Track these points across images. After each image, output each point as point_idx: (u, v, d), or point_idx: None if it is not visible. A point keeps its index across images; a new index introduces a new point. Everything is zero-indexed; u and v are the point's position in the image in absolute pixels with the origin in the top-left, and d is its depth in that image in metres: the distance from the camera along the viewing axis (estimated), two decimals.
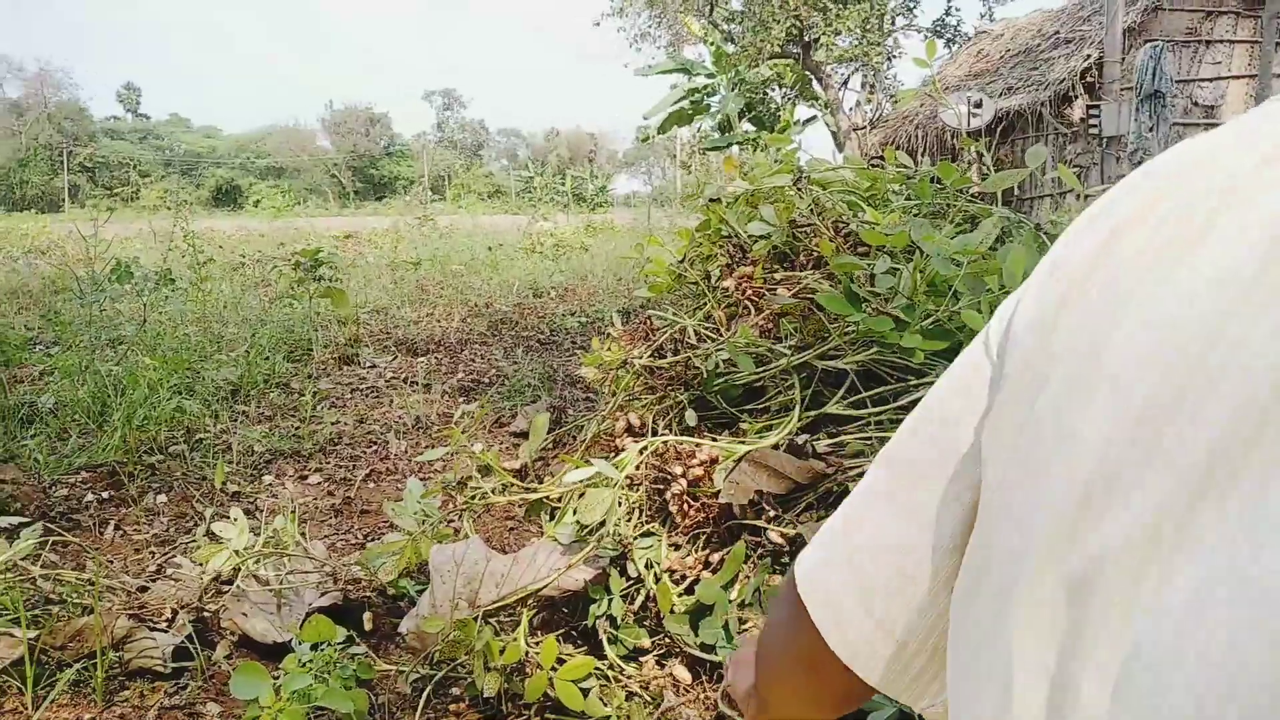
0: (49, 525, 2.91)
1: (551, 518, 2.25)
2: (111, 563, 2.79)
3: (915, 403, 1.92)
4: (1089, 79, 11.81)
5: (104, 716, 2.05)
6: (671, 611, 1.89)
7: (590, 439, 2.46)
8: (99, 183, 57.82)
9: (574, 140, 74.77)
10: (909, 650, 0.62)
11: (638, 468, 2.04)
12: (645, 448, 2.03)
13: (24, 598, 2.26)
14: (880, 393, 1.99)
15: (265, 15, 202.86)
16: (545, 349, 6.41)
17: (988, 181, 2.22)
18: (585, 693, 1.88)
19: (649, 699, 1.88)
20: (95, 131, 63.30)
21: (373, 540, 3.04)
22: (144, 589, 2.59)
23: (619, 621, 1.98)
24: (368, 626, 2.33)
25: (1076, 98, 11.86)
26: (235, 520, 2.57)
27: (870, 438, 1.91)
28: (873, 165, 2.82)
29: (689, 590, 1.93)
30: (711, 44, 17.09)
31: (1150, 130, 9.77)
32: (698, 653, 1.84)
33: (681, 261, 2.73)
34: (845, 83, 19.08)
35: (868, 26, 17.31)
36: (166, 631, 2.31)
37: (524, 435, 3.97)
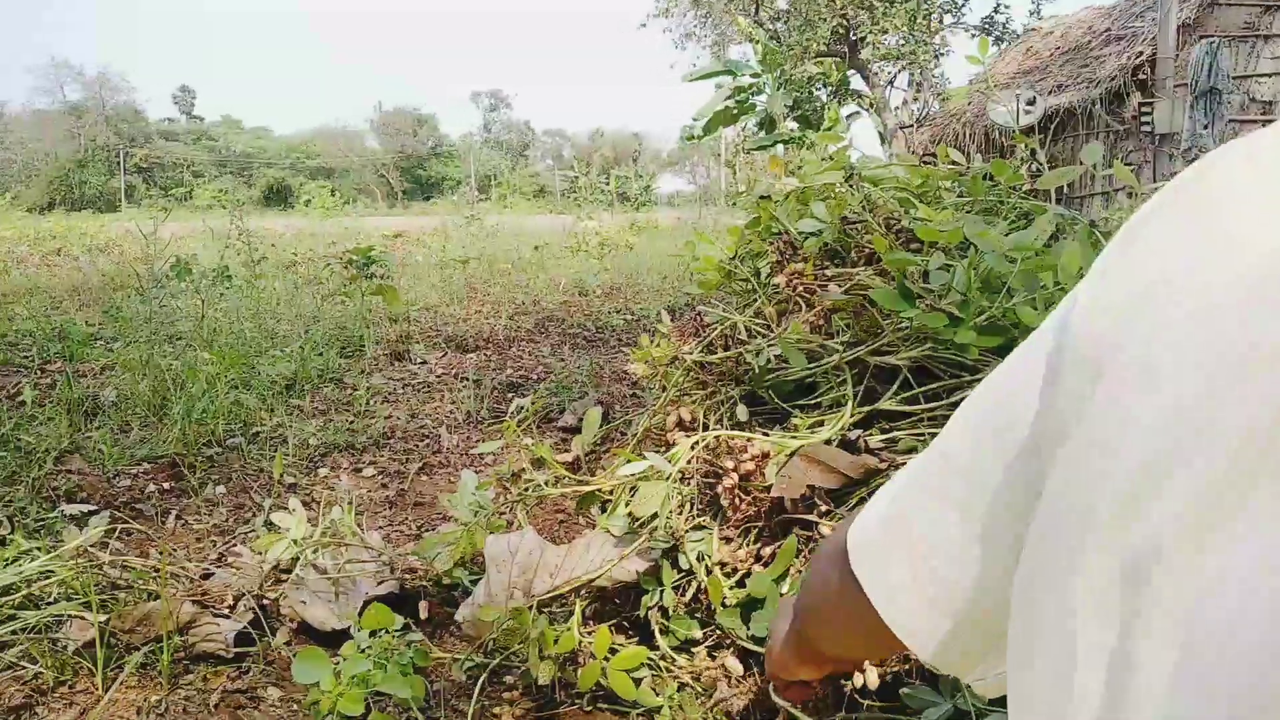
0: (114, 514, 3.00)
1: (603, 510, 2.27)
2: (174, 551, 2.87)
3: (962, 405, 1.92)
4: (1141, 76, 11.61)
5: (170, 698, 2.11)
6: (723, 604, 1.90)
7: (641, 433, 2.49)
8: (154, 183, 59.00)
9: (619, 140, 74.89)
10: (963, 630, 0.64)
11: (689, 462, 2.06)
12: (697, 442, 2.05)
13: (94, 583, 2.34)
14: (933, 389, 1.99)
15: (315, 17, 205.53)
16: (591, 346, 6.46)
17: (1042, 179, 2.22)
18: (638, 682, 1.91)
19: (701, 690, 1.90)
20: (151, 133, 64.59)
21: (427, 531, 3.09)
22: (206, 576, 2.66)
23: (670, 613, 2.00)
24: (423, 615, 2.37)
25: (1129, 95, 11.66)
26: (293, 511, 2.63)
27: (923, 434, 1.91)
28: (923, 163, 2.81)
29: (740, 583, 1.94)
30: (758, 42, 17.05)
31: (1205, 128, 9.59)
32: (749, 645, 1.86)
33: (732, 259, 2.75)
34: (892, 81, 18.93)
35: (915, 25, 17.15)
36: (229, 617, 2.38)
37: (572, 431, 4.01)
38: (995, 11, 19.54)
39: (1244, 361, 0.37)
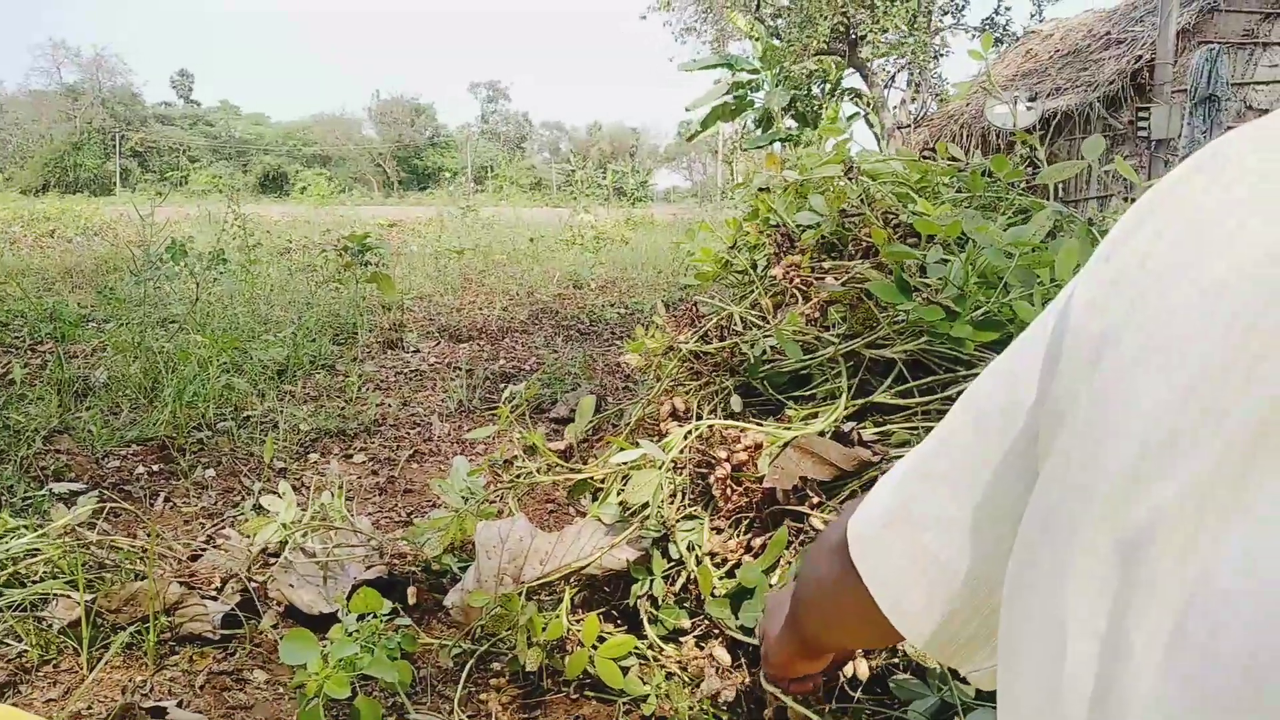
0: (102, 494, 2.99)
1: (594, 499, 2.27)
2: (162, 532, 2.86)
3: (964, 393, 1.92)
4: (1139, 81, 11.63)
5: (155, 678, 2.10)
6: (713, 594, 1.90)
7: (634, 423, 2.48)
8: (150, 167, 58.78)
9: (616, 135, 74.81)
10: (958, 618, 0.64)
11: (682, 451, 2.06)
12: (690, 432, 2.05)
13: (80, 562, 2.32)
14: (928, 382, 1.99)
15: (313, 18, 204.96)
16: (585, 339, 6.45)
17: (1043, 174, 2.21)
18: (625, 671, 1.91)
19: (688, 679, 1.90)
20: (147, 117, 64.32)
21: (416, 518, 3.08)
22: (194, 558, 2.65)
23: (660, 602, 2.00)
24: (412, 601, 2.37)
25: (1127, 100, 11.68)
26: (283, 495, 2.62)
27: (917, 427, 1.91)
28: (924, 157, 2.81)
29: (730, 574, 1.94)
30: (757, 39, 17.04)
31: (1203, 134, 9.60)
32: (738, 635, 1.85)
33: (729, 249, 2.74)
34: (891, 81, 18.94)
35: (915, 24, 17.16)
36: (216, 599, 2.37)
37: (564, 421, 4.00)
38: (996, 13, 19.55)
39: (1244, 348, 0.37)
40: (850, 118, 18.35)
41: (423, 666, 2.18)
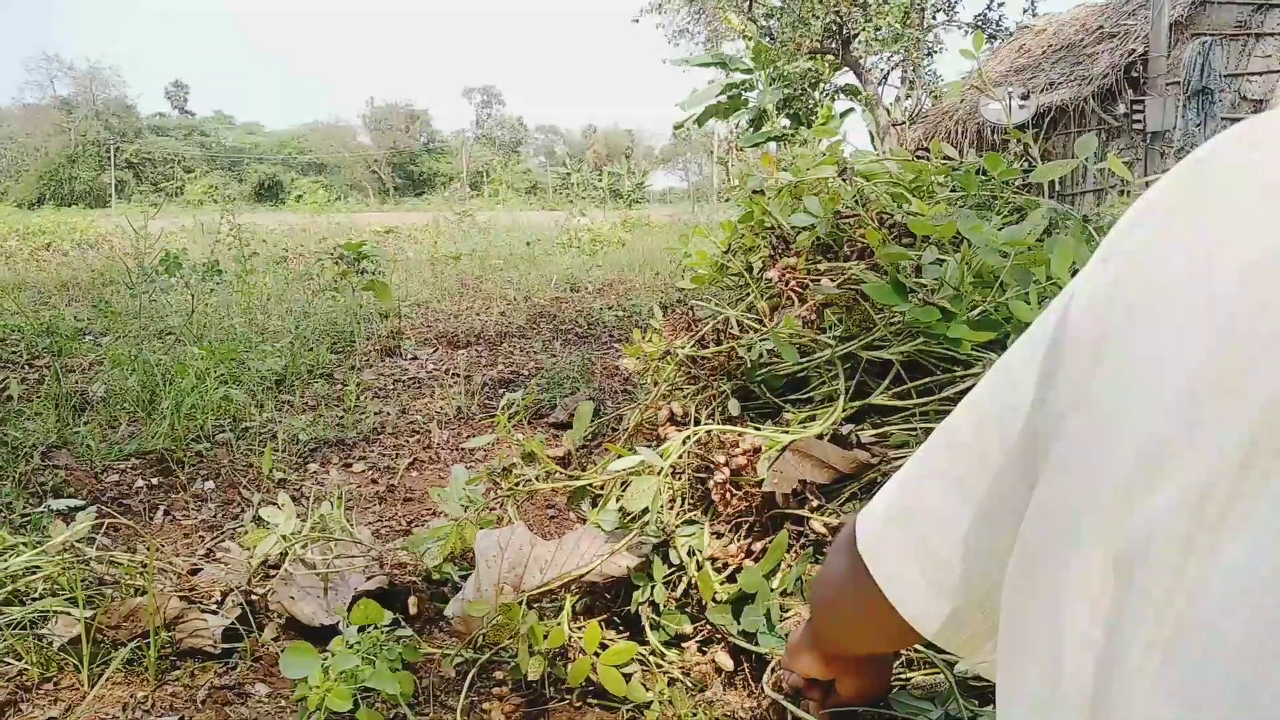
0: (101, 509, 2.98)
1: (594, 505, 2.26)
2: (162, 546, 2.85)
3: (961, 393, 1.92)
4: (1133, 74, 11.64)
5: (156, 694, 2.09)
6: (714, 600, 1.90)
7: (633, 428, 2.48)
8: (145, 178, 58.76)
9: (611, 137, 74.85)
10: (965, 610, 0.64)
11: (681, 457, 2.05)
12: (689, 437, 2.04)
13: (80, 578, 2.32)
14: (926, 383, 1.98)
15: (308, 12, 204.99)
16: (583, 342, 6.44)
17: (1036, 172, 2.21)
18: (627, 678, 1.90)
19: (691, 685, 1.90)
20: (142, 128, 64.30)
21: (417, 527, 3.08)
22: (194, 572, 2.64)
23: (661, 608, 1.99)
24: (413, 611, 2.36)
25: (1121, 93, 11.69)
26: (282, 506, 2.62)
27: (915, 428, 1.90)
28: (916, 158, 2.80)
29: (731, 578, 1.94)
30: (750, 39, 17.04)
31: (1197, 126, 9.62)
32: (739, 641, 1.85)
33: (724, 253, 2.74)
34: (885, 78, 18.95)
35: (908, 22, 17.17)
36: (216, 613, 2.36)
37: (563, 426, 4.00)
38: (989, 8, 19.57)
39: (1234, 360, 0.36)
40: (844, 113, 18.38)
41: (425, 676, 2.17)
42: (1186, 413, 0.38)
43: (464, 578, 2.41)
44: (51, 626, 2.21)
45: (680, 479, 2.08)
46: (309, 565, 2.49)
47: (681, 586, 2.01)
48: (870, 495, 1.86)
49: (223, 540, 2.91)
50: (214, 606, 2.42)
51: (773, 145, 16.44)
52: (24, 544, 2.47)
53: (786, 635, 1.78)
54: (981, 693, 1.54)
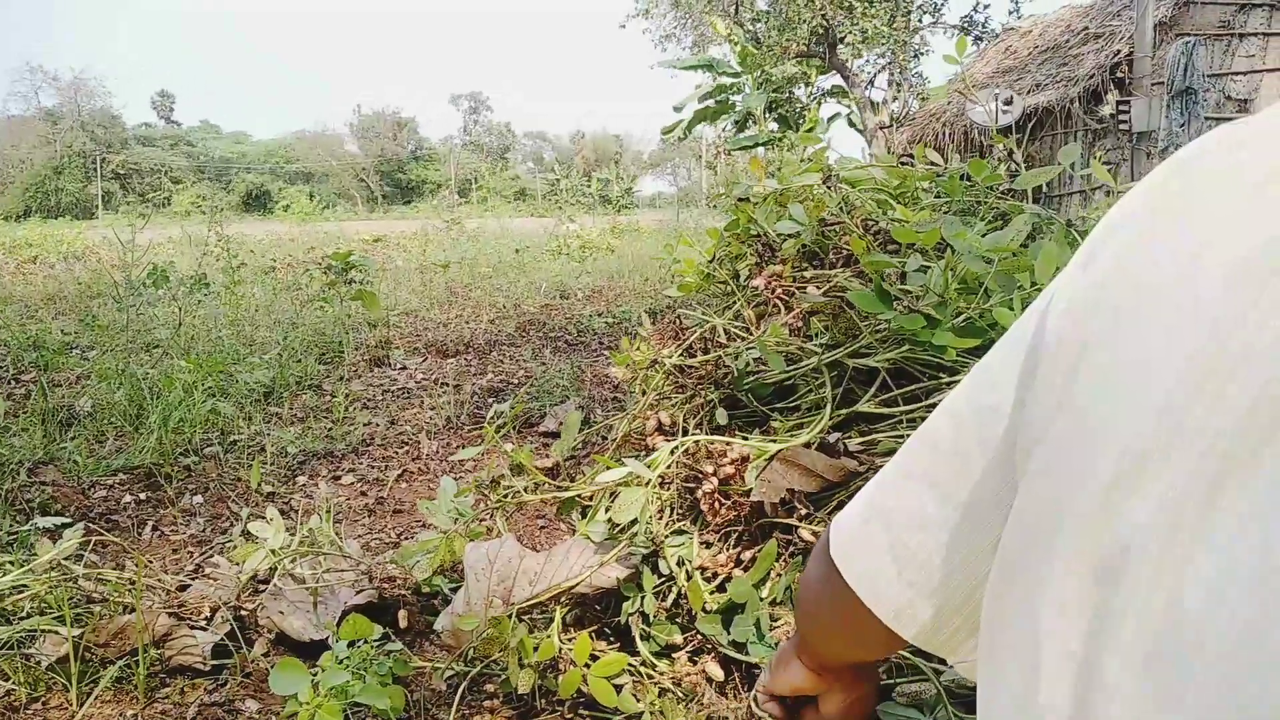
0: (89, 526, 2.97)
1: (583, 516, 2.26)
2: (150, 562, 2.84)
3: (946, 397, 1.92)
4: (1119, 75, 11.70)
5: (146, 713, 2.08)
6: (704, 609, 1.89)
7: (621, 438, 2.47)
8: (131, 189, 58.54)
9: (599, 142, 74.86)
10: (944, 613, 0.64)
11: (669, 466, 2.05)
12: (677, 447, 2.04)
13: (67, 596, 2.30)
14: (912, 390, 1.99)
15: (294, 21, 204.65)
16: (573, 350, 6.44)
17: (1019, 179, 2.22)
18: (618, 689, 1.90)
19: (681, 695, 1.89)
20: (128, 139, 64.08)
21: (406, 539, 3.07)
22: (183, 588, 2.63)
23: (651, 618, 1.99)
24: (403, 624, 2.35)
25: (1106, 94, 11.74)
26: (271, 520, 2.61)
27: (902, 435, 1.91)
28: (902, 163, 2.81)
29: (721, 588, 1.94)
30: (736, 43, 17.08)
31: (1181, 126, 9.66)
32: (730, 651, 1.85)
33: (711, 261, 2.74)
34: (871, 81, 18.99)
35: (894, 24, 17.21)
36: (206, 629, 2.35)
37: (553, 435, 3.99)
38: (974, 10, 19.62)
39: (1213, 369, 0.37)
40: (831, 118, 18.41)
41: (416, 690, 2.16)
42: (1168, 420, 0.38)
43: (454, 590, 2.41)
44: (39, 645, 2.20)
45: (669, 489, 2.07)
46: (298, 580, 2.48)
47: (671, 597, 2.01)
48: None
49: (211, 555, 2.90)
50: (203, 623, 2.41)
51: (761, 149, 16.47)
52: (11, 562, 2.46)
53: (777, 644, 1.78)
54: (968, 701, 1.54)
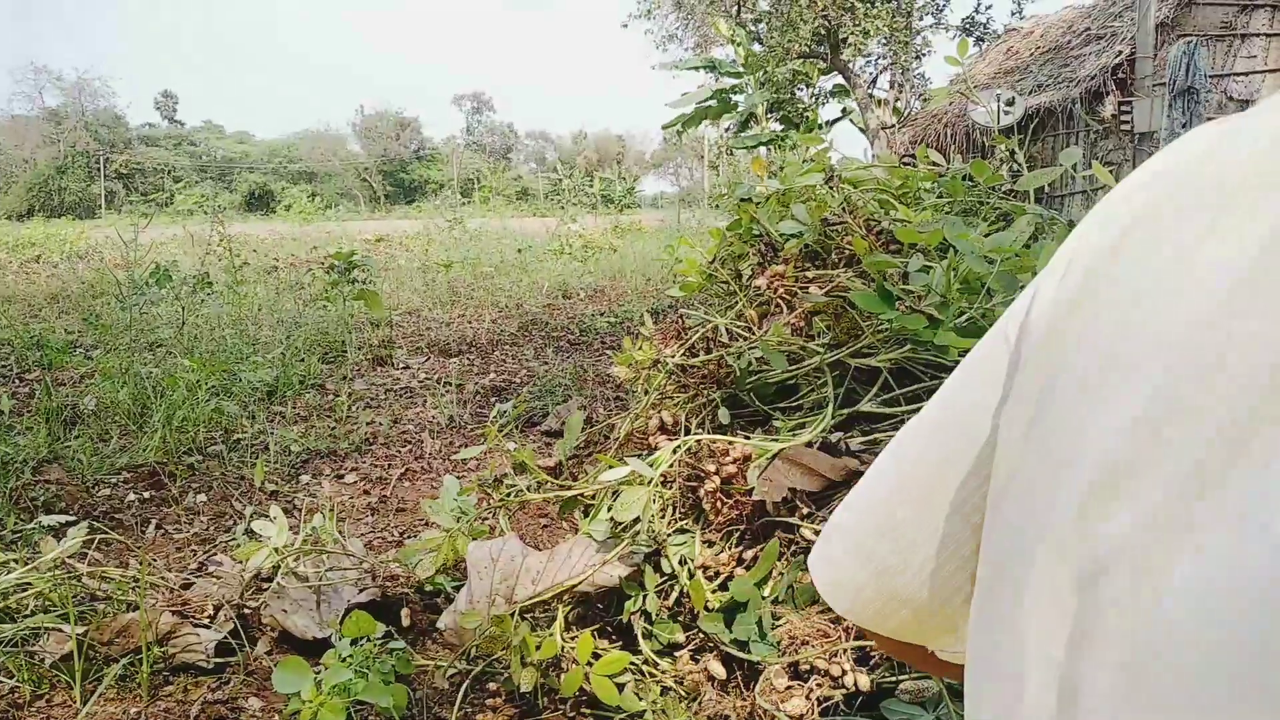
0: (93, 524, 2.97)
1: (586, 515, 2.27)
2: (154, 561, 2.85)
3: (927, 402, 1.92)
4: (1120, 75, 11.69)
5: (149, 711, 2.09)
6: (706, 608, 1.90)
7: (623, 437, 2.48)
8: (135, 189, 58.60)
9: (602, 142, 74.87)
10: (921, 614, 0.64)
11: (671, 465, 2.06)
12: (679, 446, 2.05)
13: (71, 594, 2.31)
14: (914, 390, 1.99)
15: (297, 22, 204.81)
16: (575, 349, 6.45)
17: (1021, 181, 2.22)
18: (621, 687, 1.90)
19: (684, 693, 1.90)
20: (131, 138, 64.15)
21: (409, 538, 3.07)
22: (186, 586, 2.64)
23: (654, 617, 1.99)
24: (405, 622, 2.36)
25: (1108, 94, 11.74)
26: (274, 518, 2.61)
27: None
28: (904, 164, 2.82)
29: (723, 587, 1.94)
30: (738, 44, 17.07)
31: (1183, 126, 9.65)
32: (732, 650, 1.85)
33: (713, 261, 2.74)
34: (874, 81, 18.99)
35: (896, 25, 17.21)
36: (209, 627, 2.36)
37: (556, 434, 4.00)
38: (976, 11, 19.62)
39: (1189, 380, 0.37)
40: (833, 121, 18.41)
41: (419, 688, 2.17)
42: (1142, 434, 0.38)
43: (457, 588, 2.41)
44: (43, 643, 2.21)
45: (671, 488, 2.08)
46: (301, 578, 2.49)
47: (674, 595, 2.01)
48: None
49: (215, 554, 2.91)
50: (206, 621, 2.41)
51: (763, 149, 16.47)
52: (15, 560, 2.47)
53: (779, 643, 1.79)
54: None
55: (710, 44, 20.75)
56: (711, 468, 1.95)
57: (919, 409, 1.93)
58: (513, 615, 1.96)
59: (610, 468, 2.03)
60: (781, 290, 2.32)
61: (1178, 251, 0.41)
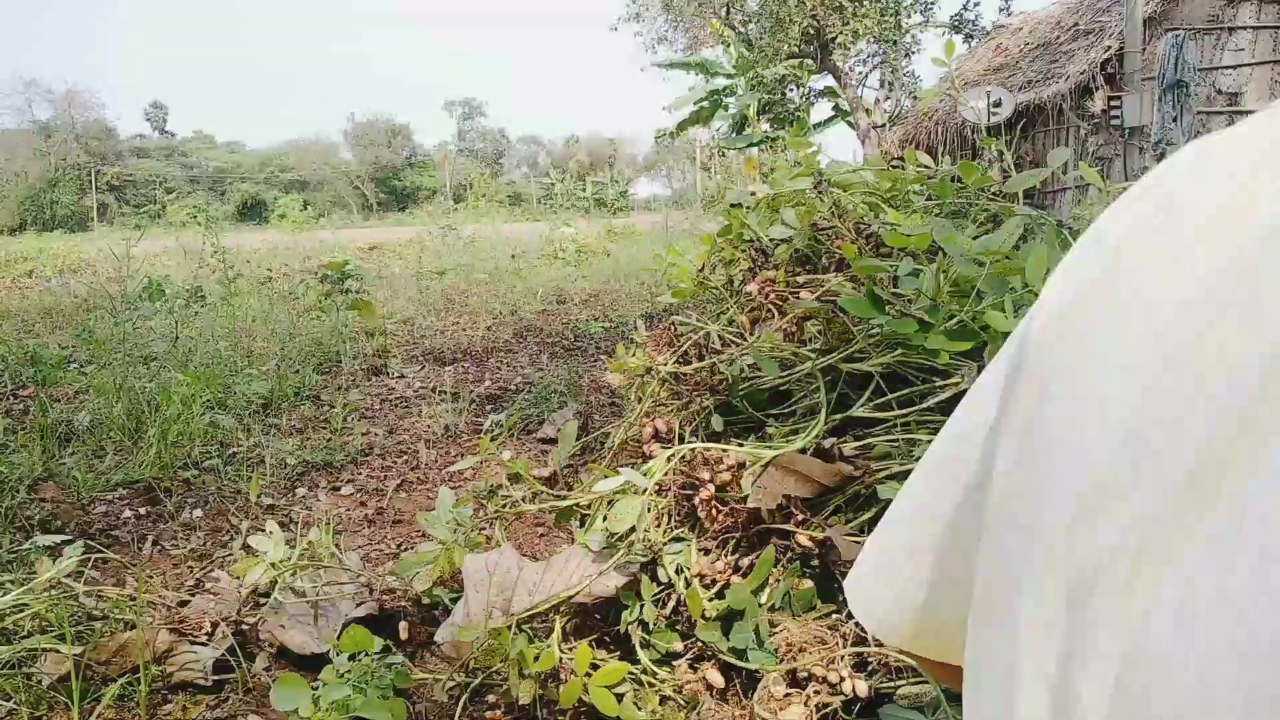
0: (89, 542, 2.97)
1: (582, 524, 2.27)
2: (151, 578, 2.84)
3: (941, 404, 1.93)
4: (1110, 70, 11.72)
5: None
6: (703, 617, 1.90)
7: (618, 446, 2.48)
8: (127, 201, 58.50)
9: (593, 146, 74.88)
10: (943, 634, 0.65)
11: (666, 474, 2.06)
12: (673, 455, 2.05)
13: (68, 614, 2.31)
14: (906, 394, 1.99)
15: (286, 30, 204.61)
16: (570, 355, 6.44)
17: (1009, 183, 2.23)
18: (619, 698, 1.90)
19: (683, 703, 1.90)
20: (122, 150, 64.05)
21: (406, 550, 3.07)
22: (184, 603, 2.63)
23: (651, 626, 1.99)
24: (404, 636, 2.36)
25: (1097, 90, 11.76)
26: (271, 533, 2.61)
27: (897, 439, 1.91)
28: (893, 165, 2.82)
29: (719, 595, 1.94)
30: (728, 44, 17.10)
31: (1173, 120, 9.68)
32: (730, 658, 1.85)
33: (702, 269, 2.75)
34: (863, 81, 19.02)
35: (884, 24, 17.24)
36: (207, 645, 2.35)
37: (551, 442, 4.00)
38: (965, 8, 19.65)
39: (1178, 388, 0.37)
40: (823, 122, 18.44)
41: (418, 701, 2.17)
42: (1132, 445, 0.38)
43: (454, 600, 2.41)
44: (40, 664, 2.20)
45: (666, 496, 2.08)
46: (299, 593, 2.49)
47: (671, 604, 2.01)
48: (855, 508, 1.88)
49: (212, 570, 2.91)
50: (204, 638, 2.41)
51: (755, 150, 16.49)
52: (11, 581, 2.46)
53: (776, 651, 1.79)
54: None
55: (700, 45, 20.78)
56: (706, 476, 1.95)
57: (911, 413, 1.93)
58: (510, 627, 1.96)
59: (604, 478, 2.03)
60: (773, 296, 2.32)
61: (1168, 264, 0.41)
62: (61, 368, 5.67)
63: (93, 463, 3.90)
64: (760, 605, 1.85)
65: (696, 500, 1.98)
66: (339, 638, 2.08)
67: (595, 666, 1.93)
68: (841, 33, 16.78)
